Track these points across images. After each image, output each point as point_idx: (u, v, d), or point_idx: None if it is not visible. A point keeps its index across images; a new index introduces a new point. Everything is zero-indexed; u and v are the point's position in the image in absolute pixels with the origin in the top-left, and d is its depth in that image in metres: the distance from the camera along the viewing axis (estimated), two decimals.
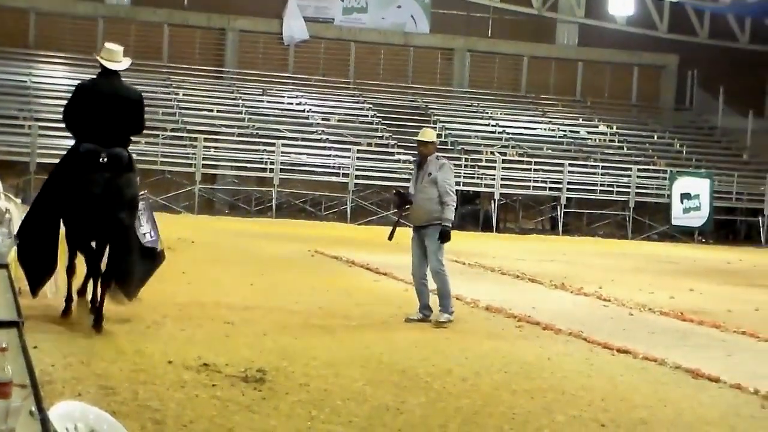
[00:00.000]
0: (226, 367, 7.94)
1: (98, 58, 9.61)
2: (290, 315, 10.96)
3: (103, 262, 9.46)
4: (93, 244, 9.48)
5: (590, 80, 38.90)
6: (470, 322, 11.39)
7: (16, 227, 9.65)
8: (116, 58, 9.57)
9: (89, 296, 9.82)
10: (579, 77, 38.91)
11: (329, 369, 8.20)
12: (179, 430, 6.25)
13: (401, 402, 7.29)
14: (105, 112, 9.31)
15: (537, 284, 15.65)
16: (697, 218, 30.88)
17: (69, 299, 9.67)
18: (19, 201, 13.88)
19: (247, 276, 14.22)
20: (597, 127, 36.48)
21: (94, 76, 9.86)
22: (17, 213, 11.31)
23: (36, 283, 9.50)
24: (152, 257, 9.98)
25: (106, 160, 9.14)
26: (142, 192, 10.13)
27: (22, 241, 9.09)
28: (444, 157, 11.16)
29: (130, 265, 9.44)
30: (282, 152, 29.75)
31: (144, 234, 9.84)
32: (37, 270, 9.45)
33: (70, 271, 9.62)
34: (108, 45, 9.87)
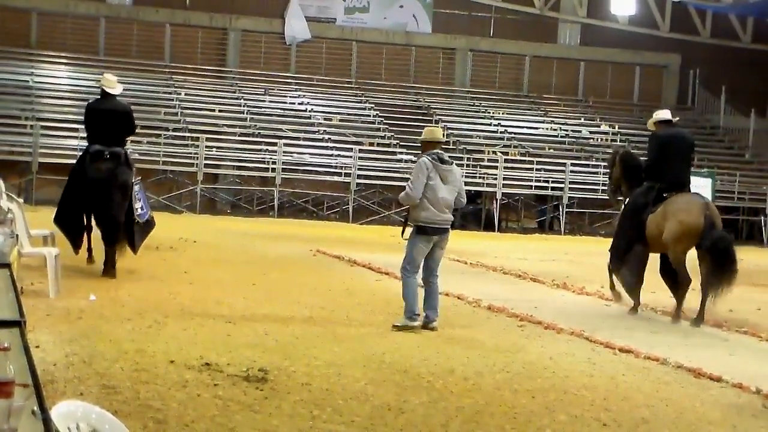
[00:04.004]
0: (228, 366, 7.95)
1: (101, 86, 13.67)
2: (292, 315, 10.97)
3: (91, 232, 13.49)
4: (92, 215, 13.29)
5: (592, 80, 38.88)
6: (472, 321, 11.39)
7: (18, 227, 9.81)
8: (113, 85, 13.55)
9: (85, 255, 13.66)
10: (581, 77, 38.89)
11: (331, 368, 8.21)
12: (181, 429, 6.26)
13: (403, 401, 7.29)
14: (106, 122, 13.17)
15: (539, 284, 15.65)
16: None
17: (89, 250, 13.64)
18: (21, 200, 13.90)
19: (248, 276, 14.23)
20: (599, 126, 36.47)
21: (98, 97, 13.89)
22: (19, 213, 11.35)
23: (75, 243, 13.34)
24: (146, 224, 13.51)
25: (108, 156, 12.98)
26: (138, 177, 13.80)
27: (60, 214, 13.38)
28: (427, 155, 10.86)
29: (117, 230, 12.89)
30: (284, 152, 29.73)
31: (137, 208, 13.22)
32: (73, 234, 13.30)
33: (88, 231, 13.42)
34: (107, 75, 14.20)
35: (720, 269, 11.91)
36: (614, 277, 13.01)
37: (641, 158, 13.59)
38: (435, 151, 10.79)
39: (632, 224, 12.65)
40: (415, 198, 10.63)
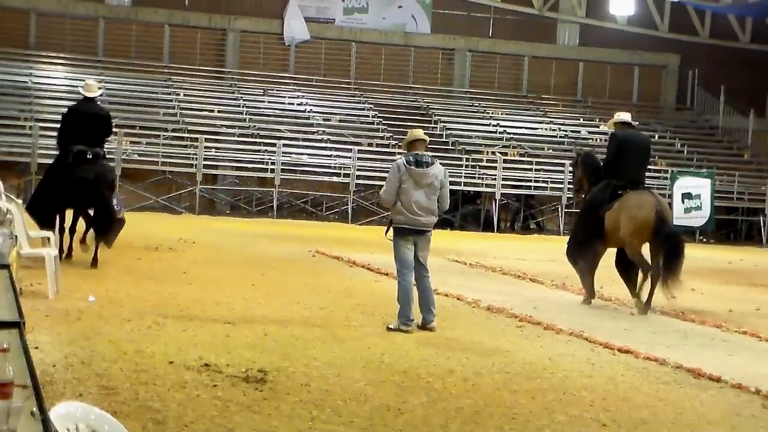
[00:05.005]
0: (227, 367, 7.95)
1: (81, 91, 14.68)
2: (291, 315, 10.96)
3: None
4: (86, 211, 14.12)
5: (591, 80, 38.89)
6: (471, 322, 11.39)
7: (17, 228, 9.82)
8: (93, 90, 14.60)
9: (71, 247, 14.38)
10: (580, 77, 38.91)
11: (330, 369, 8.21)
12: (180, 430, 6.26)
13: (402, 402, 7.29)
14: (89, 124, 14.10)
15: (538, 284, 15.65)
16: (698, 218, 30.79)
17: (71, 249, 14.29)
18: (20, 201, 13.91)
19: (248, 276, 14.23)
20: (598, 127, 36.44)
21: (80, 100, 14.77)
22: (18, 213, 11.34)
23: (45, 224, 13.69)
24: (119, 221, 14.15)
25: (91, 156, 13.93)
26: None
27: (33, 205, 14.06)
28: (405, 156, 10.84)
29: (110, 224, 13.74)
30: (283, 152, 29.73)
31: (114, 204, 14.15)
32: (44, 224, 13.67)
33: (72, 231, 14.23)
34: (87, 80, 15.74)
35: (670, 262, 12.76)
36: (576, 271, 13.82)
37: (601, 159, 14.37)
38: (415, 152, 10.72)
39: (590, 219, 13.52)
40: (388, 201, 10.69)
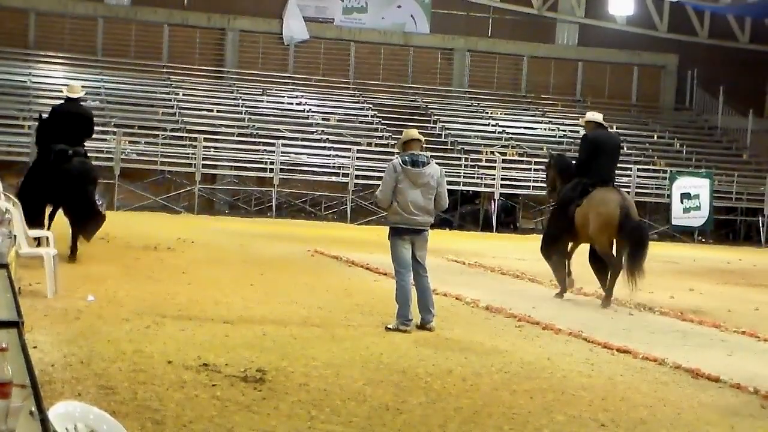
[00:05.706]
0: (226, 367, 7.95)
1: (67, 93, 15.07)
2: (290, 315, 10.96)
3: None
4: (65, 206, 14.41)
5: (590, 80, 38.88)
6: (470, 322, 11.39)
7: (16, 227, 9.85)
8: (76, 91, 15.12)
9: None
10: (579, 77, 38.90)
11: (329, 369, 8.21)
12: (179, 430, 6.25)
13: (401, 402, 7.29)
14: (72, 125, 14.56)
15: (537, 284, 15.64)
16: (697, 218, 30.86)
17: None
18: (18, 201, 13.91)
19: (246, 276, 14.22)
20: None
21: (63, 101, 15.16)
22: (17, 213, 11.34)
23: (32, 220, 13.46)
24: (101, 216, 14.56)
25: (72, 154, 14.31)
26: None
27: (20, 198, 13.61)
28: (400, 156, 10.83)
29: (91, 219, 14.18)
30: (282, 152, 29.73)
31: (96, 200, 14.84)
32: (31, 216, 13.35)
33: (49, 224, 14.33)
34: (72, 83, 16.31)
35: (634, 254, 13.10)
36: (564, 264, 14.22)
37: (572, 160, 14.86)
38: (410, 151, 10.71)
39: (561, 216, 14.00)
40: (384, 202, 10.67)
